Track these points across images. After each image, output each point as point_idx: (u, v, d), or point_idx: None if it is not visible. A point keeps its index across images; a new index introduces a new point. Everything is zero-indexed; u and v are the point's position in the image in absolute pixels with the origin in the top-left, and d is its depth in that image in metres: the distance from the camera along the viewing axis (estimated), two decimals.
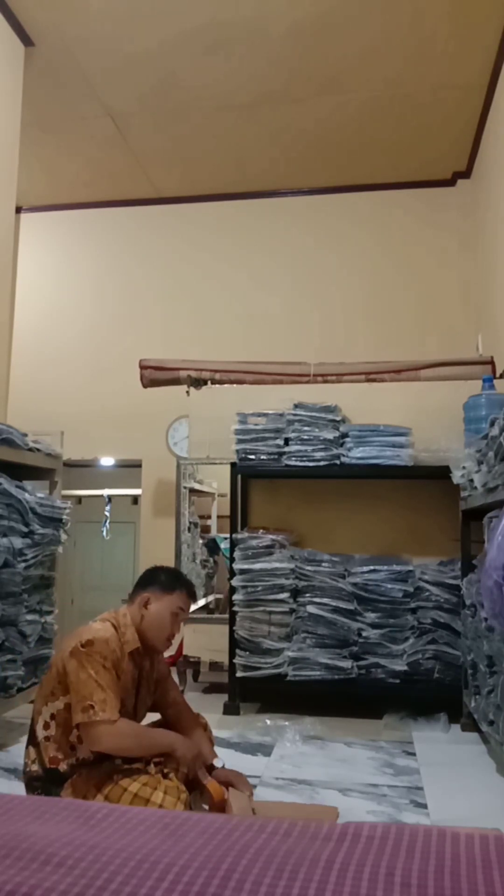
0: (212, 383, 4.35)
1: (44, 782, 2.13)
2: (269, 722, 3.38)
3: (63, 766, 2.12)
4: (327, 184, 5.53)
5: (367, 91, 4.46)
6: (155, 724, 2.41)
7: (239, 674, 3.68)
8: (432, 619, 3.55)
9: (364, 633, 3.59)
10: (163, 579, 2.35)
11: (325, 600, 3.60)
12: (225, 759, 2.76)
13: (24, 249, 5.86)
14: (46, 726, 2.13)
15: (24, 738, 2.23)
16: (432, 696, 3.51)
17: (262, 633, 3.70)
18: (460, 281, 5.28)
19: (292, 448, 3.77)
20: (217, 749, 2.60)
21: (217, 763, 2.34)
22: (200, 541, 4.88)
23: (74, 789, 2.05)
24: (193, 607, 4.47)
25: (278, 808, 2.44)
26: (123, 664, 2.20)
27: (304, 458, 3.74)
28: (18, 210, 5.64)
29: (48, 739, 2.13)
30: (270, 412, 3.85)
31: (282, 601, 3.66)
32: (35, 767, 2.15)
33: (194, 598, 2.41)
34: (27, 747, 2.19)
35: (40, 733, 2.14)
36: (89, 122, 4.83)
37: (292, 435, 3.79)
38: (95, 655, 2.08)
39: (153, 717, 2.48)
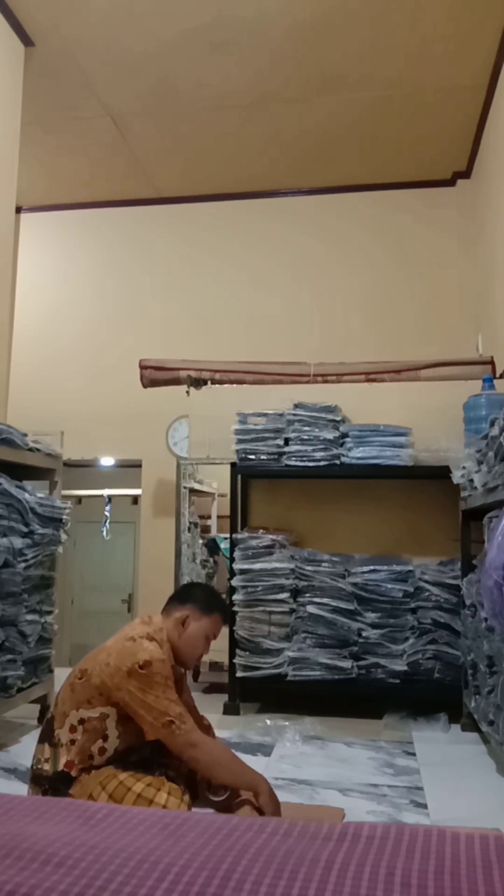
0: (212, 383, 4.35)
1: (52, 781, 2.13)
2: (269, 722, 3.38)
3: (75, 772, 2.12)
4: (327, 184, 5.53)
5: (366, 91, 4.46)
6: None
7: (239, 674, 3.68)
8: (432, 619, 3.55)
9: (364, 633, 3.59)
10: (203, 599, 2.33)
11: (325, 600, 3.60)
12: None
13: (24, 249, 5.86)
14: (73, 730, 2.12)
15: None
16: (432, 696, 3.51)
17: (262, 633, 3.70)
18: (460, 281, 5.28)
19: (292, 448, 3.77)
20: None
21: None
22: (200, 541, 4.88)
23: (81, 787, 2.05)
24: None
25: (284, 808, 2.44)
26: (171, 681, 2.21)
27: (304, 458, 3.74)
28: (18, 210, 5.64)
29: (72, 743, 2.11)
30: (270, 412, 3.85)
31: (282, 601, 3.66)
32: (47, 767, 2.14)
33: (227, 621, 2.40)
34: (42, 744, 2.17)
35: (64, 736, 2.13)
36: (89, 122, 4.82)
37: (292, 435, 3.79)
38: (157, 676, 2.08)
39: None
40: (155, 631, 2.26)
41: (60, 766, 2.11)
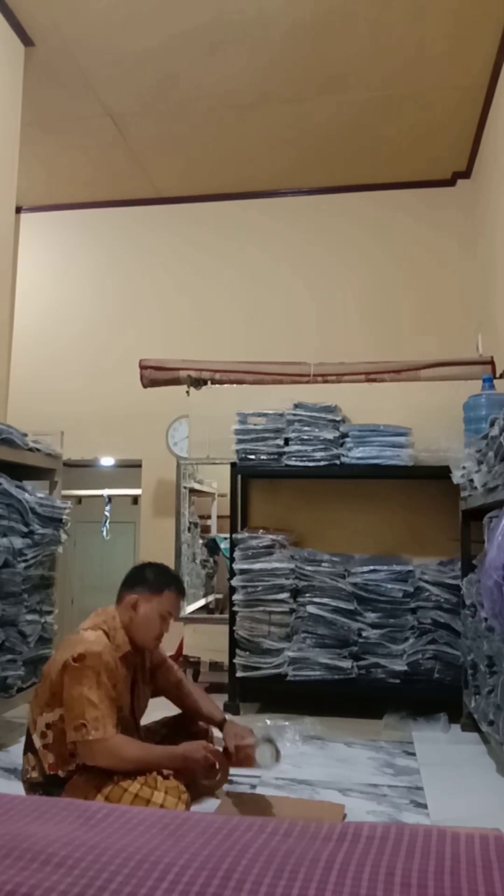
0: (212, 383, 4.35)
1: (45, 786, 2.13)
2: (269, 722, 3.38)
3: (62, 773, 2.12)
4: (327, 184, 5.53)
5: (366, 91, 4.46)
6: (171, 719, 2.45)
7: (239, 674, 3.68)
8: (432, 619, 3.55)
9: (364, 633, 3.59)
10: (151, 579, 2.31)
11: (325, 600, 3.60)
12: None
13: (24, 249, 5.85)
14: (44, 735, 2.12)
15: (24, 738, 2.23)
16: (432, 696, 3.51)
17: (262, 633, 3.69)
18: (460, 281, 5.28)
19: (292, 448, 3.77)
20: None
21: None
22: (200, 541, 4.88)
23: (75, 790, 2.05)
24: (194, 607, 4.51)
25: (286, 803, 2.44)
26: (118, 671, 2.18)
27: (304, 458, 3.74)
28: (18, 210, 5.64)
29: (46, 748, 2.12)
30: (270, 412, 3.85)
31: (282, 601, 3.66)
32: (35, 774, 2.14)
33: (184, 595, 2.37)
34: (25, 754, 2.18)
35: (38, 742, 2.13)
36: (89, 122, 4.82)
37: (292, 435, 3.79)
38: (88, 671, 2.05)
39: (156, 708, 2.48)
40: (106, 620, 2.24)
41: (47, 771, 2.12)
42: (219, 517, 5.10)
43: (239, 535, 3.81)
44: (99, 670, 2.06)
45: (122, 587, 2.35)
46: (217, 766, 2.20)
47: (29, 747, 2.17)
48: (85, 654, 2.07)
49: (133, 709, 2.32)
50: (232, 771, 2.34)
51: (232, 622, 3.71)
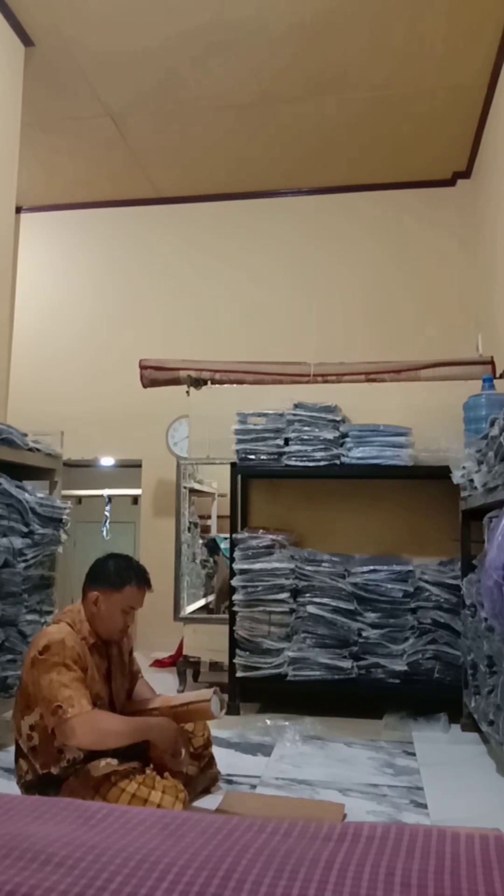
0: (212, 383, 4.34)
1: (40, 787, 2.13)
2: (269, 722, 3.38)
3: (56, 770, 2.12)
4: (327, 184, 5.53)
5: (366, 91, 4.46)
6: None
7: (239, 674, 3.68)
8: (432, 619, 3.54)
9: (364, 633, 3.59)
10: (111, 575, 2.30)
11: (325, 600, 3.60)
12: (225, 759, 2.78)
13: (24, 249, 5.85)
14: (29, 738, 2.13)
15: (14, 747, 2.23)
16: (432, 696, 3.50)
17: (262, 633, 3.69)
18: (460, 281, 5.28)
19: (292, 448, 3.77)
20: (217, 749, 2.64)
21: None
22: (200, 541, 4.88)
23: (71, 792, 2.04)
24: (194, 607, 4.50)
25: (286, 803, 2.45)
26: (87, 658, 2.20)
27: (304, 458, 3.74)
28: (18, 210, 5.64)
29: (34, 750, 2.12)
30: (270, 412, 3.84)
31: (282, 601, 3.66)
32: (30, 776, 2.15)
33: (147, 585, 2.35)
34: (17, 760, 2.19)
35: (25, 745, 2.14)
36: (89, 122, 4.82)
37: (292, 435, 3.79)
38: (54, 658, 2.07)
39: None
40: (70, 614, 2.27)
41: (40, 771, 2.12)
42: (219, 517, 5.09)
43: (239, 535, 3.81)
44: (64, 656, 2.09)
45: (85, 582, 2.35)
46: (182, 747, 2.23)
47: (19, 753, 2.18)
48: (49, 645, 2.10)
49: (111, 699, 2.32)
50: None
51: (232, 622, 3.71)
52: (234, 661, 3.69)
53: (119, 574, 2.30)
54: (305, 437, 3.75)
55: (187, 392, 4.35)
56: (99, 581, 2.30)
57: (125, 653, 2.46)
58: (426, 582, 3.58)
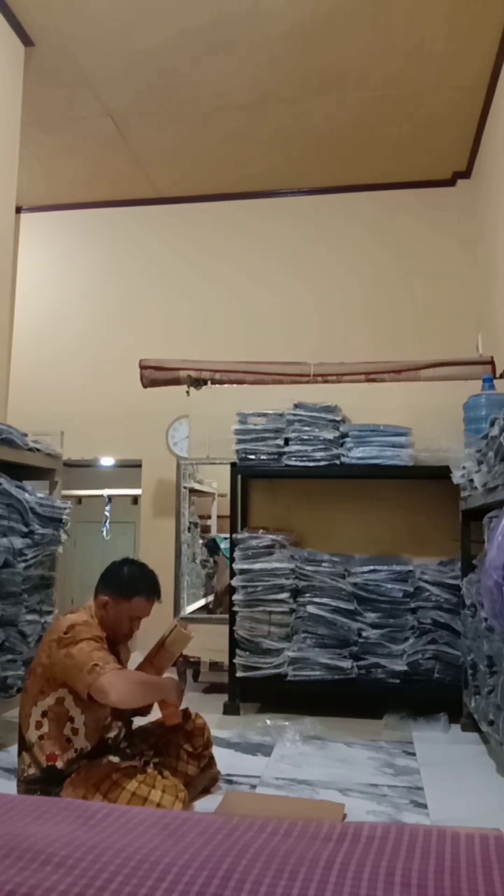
0: (212, 383, 4.35)
1: (42, 783, 2.13)
2: (269, 722, 3.38)
3: (61, 763, 2.13)
4: (327, 184, 5.53)
5: (366, 91, 4.46)
6: None
7: (239, 674, 3.68)
8: (432, 619, 3.55)
9: (364, 633, 3.59)
10: (123, 583, 2.37)
11: (325, 600, 3.60)
12: (225, 759, 2.79)
13: (24, 249, 5.85)
14: (39, 725, 2.15)
15: (18, 741, 2.24)
16: (432, 696, 3.50)
17: (262, 633, 3.69)
18: (460, 281, 5.28)
19: (292, 448, 3.77)
20: (217, 749, 2.66)
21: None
22: (200, 541, 4.88)
23: (74, 788, 2.06)
24: (194, 607, 4.50)
25: (286, 803, 2.45)
26: (105, 644, 2.26)
27: (304, 458, 3.74)
28: (18, 210, 5.64)
29: (42, 738, 2.14)
30: (270, 412, 3.85)
31: (282, 601, 3.66)
32: (32, 770, 2.15)
33: (157, 596, 2.44)
34: (20, 754, 2.20)
35: (32, 735, 2.16)
36: (89, 122, 4.82)
37: (292, 435, 3.79)
38: (81, 634, 2.15)
39: None
40: (84, 609, 2.35)
41: (44, 763, 2.13)
42: (219, 517, 5.10)
43: (239, 535, 3.81)
44: (91, 633, 2.19)
45: (98, 583, 2.43)
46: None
47: (23, 747, 2.19)
48: (73, 625, 2.19)
49: None
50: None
51: (232, 622, 3.71)
52: (234, 661, 3.69)
53: (131, 583, 2.37)
54: (305, 437, 3.76)
55: (187, 392, 4.35)
56: (110, 587, 2.36)
57: (125, 659, 2.49)
58: (426, 582, 3.58)
